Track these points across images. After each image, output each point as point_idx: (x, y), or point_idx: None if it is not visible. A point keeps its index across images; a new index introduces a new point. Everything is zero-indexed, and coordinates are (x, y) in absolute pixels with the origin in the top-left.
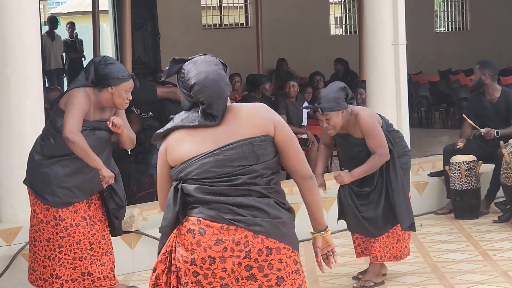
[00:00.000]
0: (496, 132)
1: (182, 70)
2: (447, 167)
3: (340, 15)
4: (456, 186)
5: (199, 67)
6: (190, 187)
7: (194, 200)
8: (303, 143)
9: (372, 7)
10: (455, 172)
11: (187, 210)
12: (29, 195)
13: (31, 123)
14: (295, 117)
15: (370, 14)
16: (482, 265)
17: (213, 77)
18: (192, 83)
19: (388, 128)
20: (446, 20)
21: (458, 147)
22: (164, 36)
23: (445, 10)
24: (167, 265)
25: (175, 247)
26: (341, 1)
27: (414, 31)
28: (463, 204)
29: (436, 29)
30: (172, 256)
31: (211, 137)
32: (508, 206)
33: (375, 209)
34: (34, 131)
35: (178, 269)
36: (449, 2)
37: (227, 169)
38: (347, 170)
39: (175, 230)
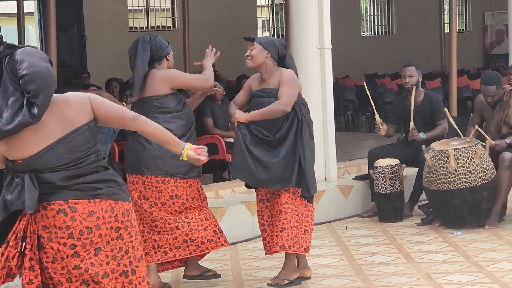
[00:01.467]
0: (422, 134)
1: (13, 57)
2: (371, 171)
3: (268, 18)
4: (380, 190)
5: (32, 60)
6: (51, 176)
7: (55, 186)
8: (230, 146)
9: (298, 11)
10: (379, 176)
11: (45, 196)
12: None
13: None
14: (221, 120)
15: (296, 18)
16: (406, 268)
17: (45, 73)
18: (23, 73)
19: (303, 102)
20: (372, 24)
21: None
22: (91, 38)
23: (371, 14)
24: (18, 250)
25: (31, 232)
26: (268, 4)
27: (341, 35)
28: (387, 207)
29: (363, 33)
30: (27, 241)
31: (47, 129)
32: (431, 209)
33: (275, 157)
34: None
35: (43, 249)
36: (375, 7)
37: (78, 154)
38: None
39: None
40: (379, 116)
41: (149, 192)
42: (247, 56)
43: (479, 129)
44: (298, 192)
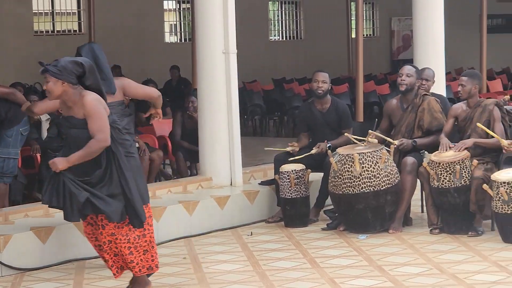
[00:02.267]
0: (328, 146)
1: None
2: (277, 176)
3: (175, 23)
4: (286, 195)
5: None
6: None
7: None
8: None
9: (203, 16)
10: (285, 181)
11: None
12: None
13: None
14: None
15: (201, 23)
16: (310, 273)
17: None
18: None
19: (114, 124)
20: (280, 29)
21: (289, 151)
22: None
23: (279, 19)
24: None
25: None
26: (176, 9)
27: (248, 39)
28: (292, 212)
29: (270, 38)
30: None
31: None
32: (337, 214)
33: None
34: None
35: None
36: (283, 11)
37: None
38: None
39: None
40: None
41: None
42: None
43: (378, 134)
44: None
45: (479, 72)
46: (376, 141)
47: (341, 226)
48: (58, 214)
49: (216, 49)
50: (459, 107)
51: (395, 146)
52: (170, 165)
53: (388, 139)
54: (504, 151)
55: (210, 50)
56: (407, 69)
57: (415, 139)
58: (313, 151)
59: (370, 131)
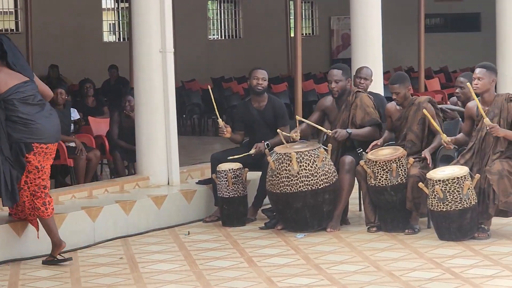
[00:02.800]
0: (266, 144)
1: None
2: (214, 175)
3: (114, 22)
4: (223, 194)
5: None
6: None
7: None
8: (71, 151)
9: (140, 15)
10: (222, 180)
11: None
12: None
13: None
14: (63, 124)
15: (138, 21)
16: (247, 272)
17: None
18: None
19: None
20: (219, 28)
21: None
22: None
23: (218, 18)
24: None
25: None
26: (114, 8)
27: (187, 38)
28: (230, 212)
29: (210, 37)
30: None
31: None
32: (274, 213)
33: None
34: None
35: None
36: (222, 10)
37: None
38: None
39: None
40: (221, 120)
41: None
42: None
43: (306, 120)
44: None
45: (405, 73)
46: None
47: (279, 225)
48: None
49: (153, 48)
50: (392, 106)
51: (330, 134)
52: (108, 165)
53: (321, 127)
54: (444, 146)
55: (147, 49)
56: (334, 74)
57: (351, 131)
58: (251, 152)
59: (297, 116)
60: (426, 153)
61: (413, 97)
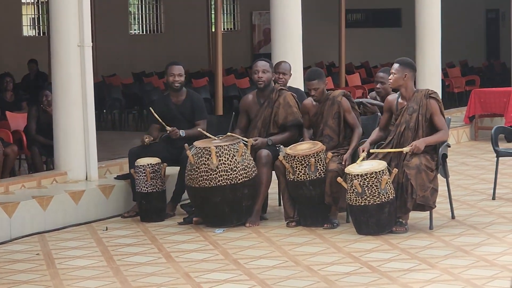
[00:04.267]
0: (181, 131)
1: None
2: (132, 170)
3: (34, 16)
4: (141, 189)
5: None
6: None
7: None
8: None
9: (58, 9)
10: (141, 175)
11: None
12: None
13: None
14: None
15: (56, 16)
16: (165, 267)
17: None
18: None
19: None
20: (140, 22)
21: (145, 143)
22: None
23: (140, 12)
24: None
25: None
26: (34, 2)
27: (108, 33)
28: (149, 207)
29: (131, 31)
30: None
31: None
32: (193, 208)
33: None
34: None
35: None
36: (143, 5)
37: None
38: None
39: None
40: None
41: None
42: None
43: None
44: None
45: (320, 69)
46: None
47: (195, 217)
48: None
49: (71, 42)
50: (309, 103)
51: (250, 143)
52: (26, 160)
53: (243, 138)
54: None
55: (65, 43)
56: (261, 65)
57: (270, 138)
58: (168, 128)
59: (228, 133)
60: (347, 159)
61: (328, 91)
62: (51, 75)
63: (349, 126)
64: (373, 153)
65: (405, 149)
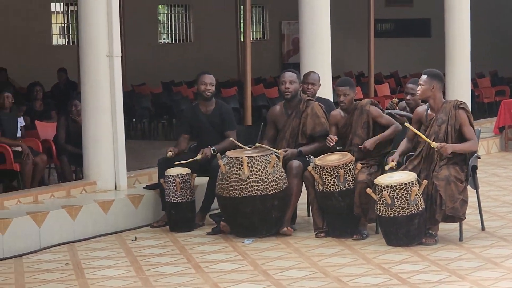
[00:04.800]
0: (212, 149)
1: None
2: (162, 180)
3: (63, 25)
4: (171, 199)
5: None
6: None
7: None
8: (17, 155)
9: (87, 18)
10: (170, 185)
11: None
12: None
13: None
14: (8, 128)
15: (85, 25)
16: (194, 278)
17: None
18: None
19: None
20: (169, 32)
21: (169, 156)
22: None
23: (169, 21)
24: None
25: None
26: (63, 11)
27: (137, 42)
28: (178, 217)
29: (160, 40)
30: None
31: None
32: (223, 218)
33: None
34: None
35: None
36: (172, 14)
37: None
38: None
39: None
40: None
41: None
42: None
43: (264, 146)
44: None
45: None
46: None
47: (225, 227)
48: None
49: (100, 52)
50: (337, 114)
51: (280, 154)
52: (55, 169)
53: (273, 149)
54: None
55: (94, 53)
56: (288, 76)
57: (300, 149)
58: (198, 157)
59: (257, 144)
60: (371, 143)
61: (356, 101)
62: (80, 84)
63: (385, 128)
64: (402, 164)
65: (434, 144)
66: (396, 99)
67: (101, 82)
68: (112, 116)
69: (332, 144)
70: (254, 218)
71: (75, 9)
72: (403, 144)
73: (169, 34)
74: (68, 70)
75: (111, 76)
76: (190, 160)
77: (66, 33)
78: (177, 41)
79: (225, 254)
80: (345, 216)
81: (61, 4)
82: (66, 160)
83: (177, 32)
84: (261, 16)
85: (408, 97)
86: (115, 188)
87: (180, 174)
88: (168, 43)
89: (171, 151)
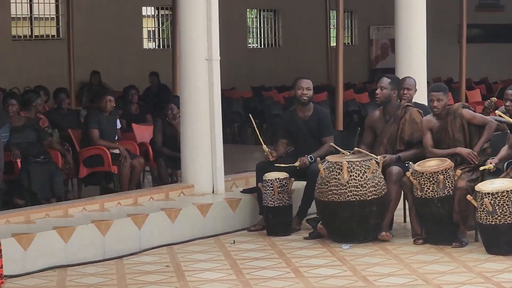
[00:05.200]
0: (310, 157)
1: None
2: (260, 184)
3: (154, 29)
4: (268, 203)
5: None
6: None
7: None
8: (115, 158)
9: (186, 22)
10: (268, 189)
11: None
12: None
13: None
14: (108, 131)
15: (184, 29)
16: (294, 282)
17: None
18: None
19: None
20: (258, 36)
21: (270, 159)
22: None
23: (258, 26)
24: None
25: None
26: (154, 15)
27: (227, 46)
28: (275, 221)
29: (249, 45)
30: None
31: None
32: (320, 222)
33: None
34: None
35: None
36: (261, 19)
37: None
38: None
39: None
40: (266, 146)
41: None
42: None
43: (362, 151)
44: None
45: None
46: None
47: (322, 230)
48: (39, 220)
49: (198, 56)
50: (431, 120)
51: (379, 161)
52: (150, 172)
53: (372, 155)
54: None
55: (193, 57)
56: (382, 82)
57: (399, 155)
58: (296, 164)
59: (355, 148)
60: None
61: (447, 106)
62: (175, 88)
63: (472, 138)
64: (501, 170)
65: None
66: (495, 98)
67: (199, 86)
68: (211, 120)
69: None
70: (352, 223)
71: (166, 13)
72: (504, 150)
73: (258, 39)
74: (159, 73)
75: (210, 80)
76: (289, 165)
77: (156, 37)
78: (266, 46)
79: (324, 259)
80: (444, 223)
81: (152, 8)
82: (163, 163)
83: (266, 37)
84: (350, 21)
85: (508, 103)
86: (213, 192)
87: (278, 178)
88: (257, 48)
89: (271, 153)
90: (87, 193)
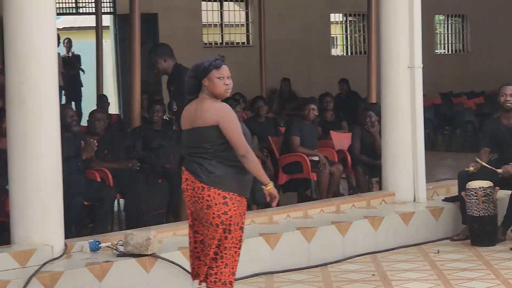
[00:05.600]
0: None
1: None
2: (463, 193)
3: (341, 35)
4: (473, 212)
5: None
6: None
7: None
8: (315, 165)
9: (386, 29)
10: (472, 198)
11: None
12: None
13: (46, 143)
14: (309, 139)
15: (385, 36)
16: None
17: None
18: None
19: None
20: (446, 42)
21: (468, 169)
22: None
23: (445, 32)
24: None
25: None
26: (342, 21)
27: None
28: (480, 231)
29: (436, 51)
30: None
31: None
32: None
33: None
34: (49, 152)
35: None
36: (449, 25)
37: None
38: None
39: None
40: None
41: None
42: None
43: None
44: None
45: None
46: None
47: None
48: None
49: (400, 63)
50: None
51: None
52: (346, 179)
53: (489, 166)
54: None
55: (395, 65)
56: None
57: None
58: (499, 171)
59: (476, 158)
60: None
61: None
62: (368, 94)
63: None
64: None
65: None
66: None
67: (401, 93)
68: (412, 128)
69: None
70: None
71: (353, 19)
72: None
73: (446, 45)
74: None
75: (412, 88)
76: (491, 167)
77: (344, 43)
78: (454, 52)
79: None
80: None
81: (340, 14)
82: (361, 171)
83: (454, 42)
84: None
85: None
86: (414, 200)
87: (482, 187)
88: (445, 54)
89: (472, 166)
90: (285, 200)
